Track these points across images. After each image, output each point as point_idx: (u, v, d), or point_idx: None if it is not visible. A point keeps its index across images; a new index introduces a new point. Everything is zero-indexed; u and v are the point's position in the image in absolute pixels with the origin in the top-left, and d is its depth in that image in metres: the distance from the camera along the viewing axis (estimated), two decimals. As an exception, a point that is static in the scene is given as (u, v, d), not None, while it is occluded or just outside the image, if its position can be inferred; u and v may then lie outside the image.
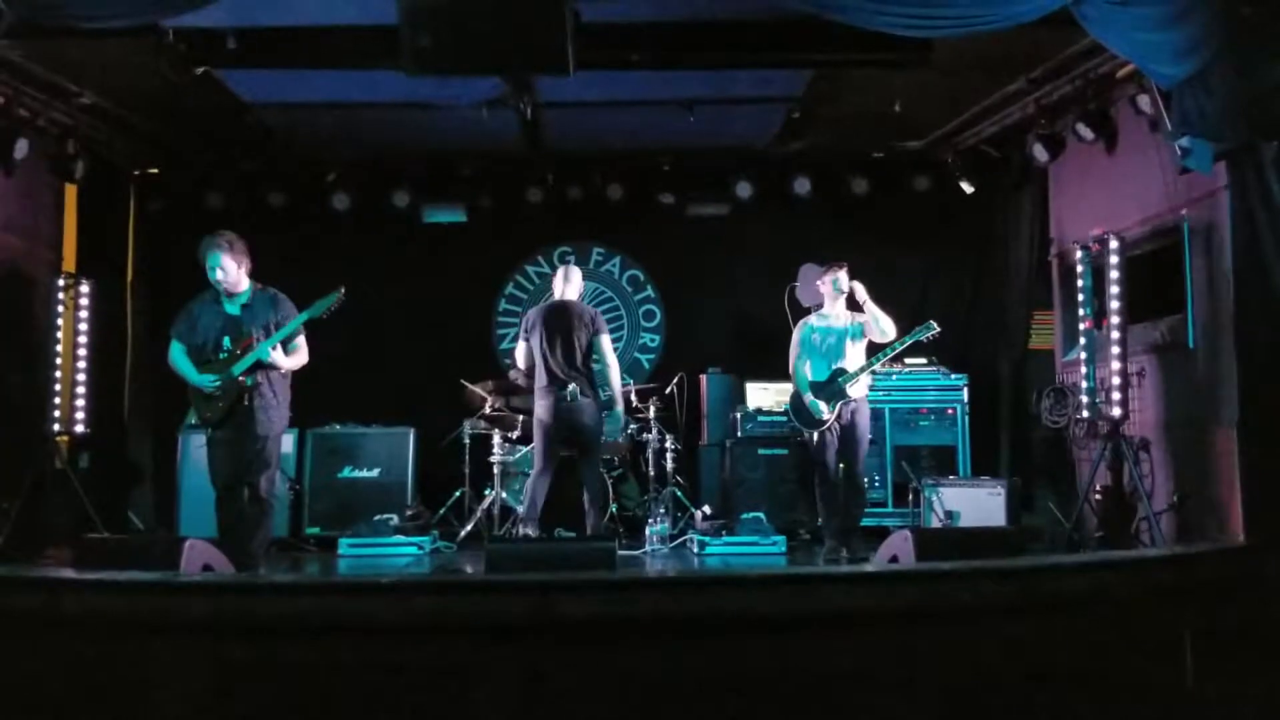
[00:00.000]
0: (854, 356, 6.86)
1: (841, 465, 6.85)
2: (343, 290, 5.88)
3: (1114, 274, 6.65)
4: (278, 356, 5.78)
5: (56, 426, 7.45)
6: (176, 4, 5.11)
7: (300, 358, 5.95)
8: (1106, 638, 4.46)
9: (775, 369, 8.72)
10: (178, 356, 5.83)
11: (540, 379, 6.63)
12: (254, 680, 3.99)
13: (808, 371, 6.93)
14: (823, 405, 6.78)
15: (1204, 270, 6.35)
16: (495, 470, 7.73)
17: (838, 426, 6.80)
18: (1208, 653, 4.47)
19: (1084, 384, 6.99)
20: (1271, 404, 5.46)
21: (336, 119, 7.86)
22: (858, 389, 6.82)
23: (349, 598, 4.11)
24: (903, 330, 6.79)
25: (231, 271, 5.76)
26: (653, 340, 9.70)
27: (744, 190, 8.83)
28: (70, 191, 8.03)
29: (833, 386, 6.82)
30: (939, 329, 6.81)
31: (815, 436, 6.84)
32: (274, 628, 4.03)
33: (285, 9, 5.86)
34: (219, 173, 8.83)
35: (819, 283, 7.12)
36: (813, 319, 7.07)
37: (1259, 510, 5.45)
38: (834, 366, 6.84)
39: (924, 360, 8.25)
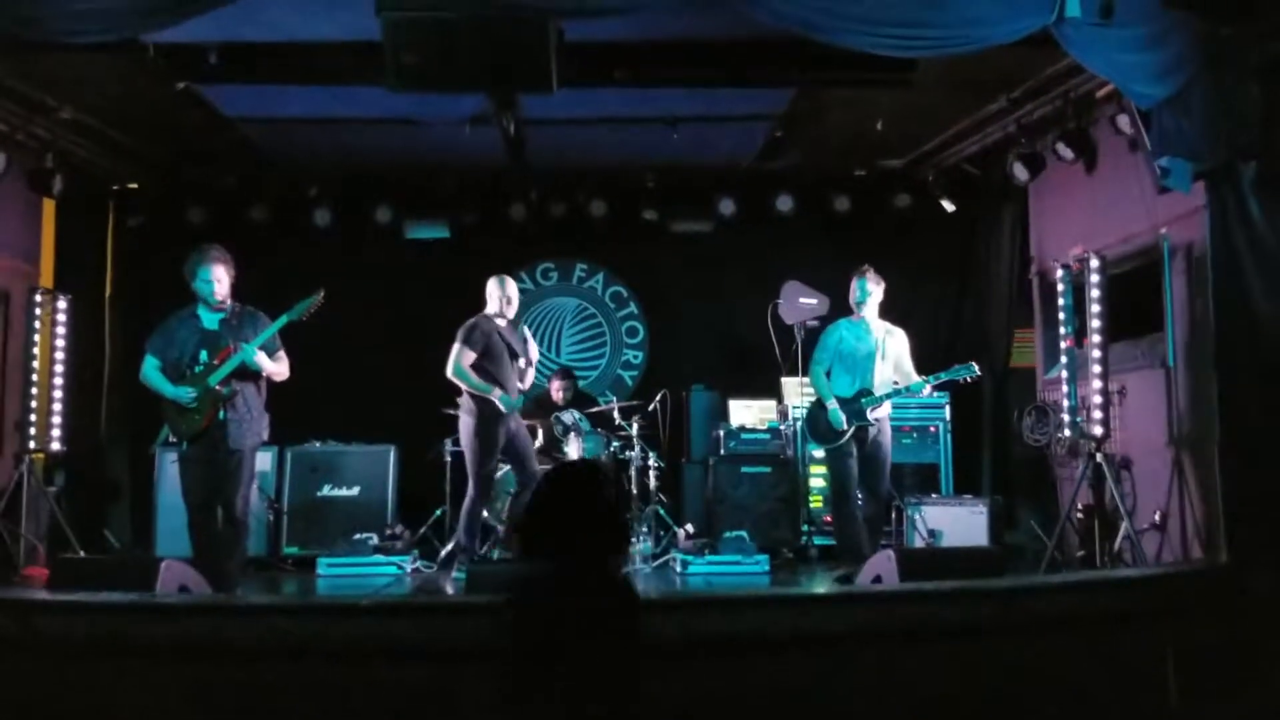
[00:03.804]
0: (882, 374, 6.68)
1: (867, 488, 6.66)
2: (322, 293, 5.88)
3: (1094, 292, 6.67)
4: (262, 360, 5.75)
5: (32, 444, 7.36)
6: (158, 19, 5.07)
7: (284, 367, 5.95)
8: (1089, 657, 4.46)
9: (759, 386, 8.77)
10: (151, 372, 5.79)
11: None
12: (231, 703, 3.94)
13: (830, 381, 6.77)
14: (843, 417, 6.58)
15: (1184, 289, 6.39)
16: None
17: (855, 446, 6.60)
18: (1190, 672, 4.48)
19: (1065, 402, 7.01)
20: (1251, 422, 5.49)
21: (319, 134, 7.84)
22: (880, 410, 6.64)
23: (327, 620, 4.07)
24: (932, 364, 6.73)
25: (225, 281, 5.77)
26: (636, 357, 9.69)
27: (727, 207, 8.84)
28: (48, 206, 7.97)
29: (854, 405, 6.61)
30: (979, 372, 6.71)
31: (836, 460, 6.63)
32: (251, 650, 3.99)
33: (268, 24, 5.83)
34: (199, 188, 8.79)
35: (852, 283, 6.83)
36: (844, 323, 6.85)
37: (1240, 529, 5.47)
38: (860, 386, 6.64)
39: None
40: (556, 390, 8.62)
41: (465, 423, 6.79)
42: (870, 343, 6.74)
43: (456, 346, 6.77)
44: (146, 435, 7.96)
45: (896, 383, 6.73)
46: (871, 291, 6.75)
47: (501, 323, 6.93)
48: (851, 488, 6.62)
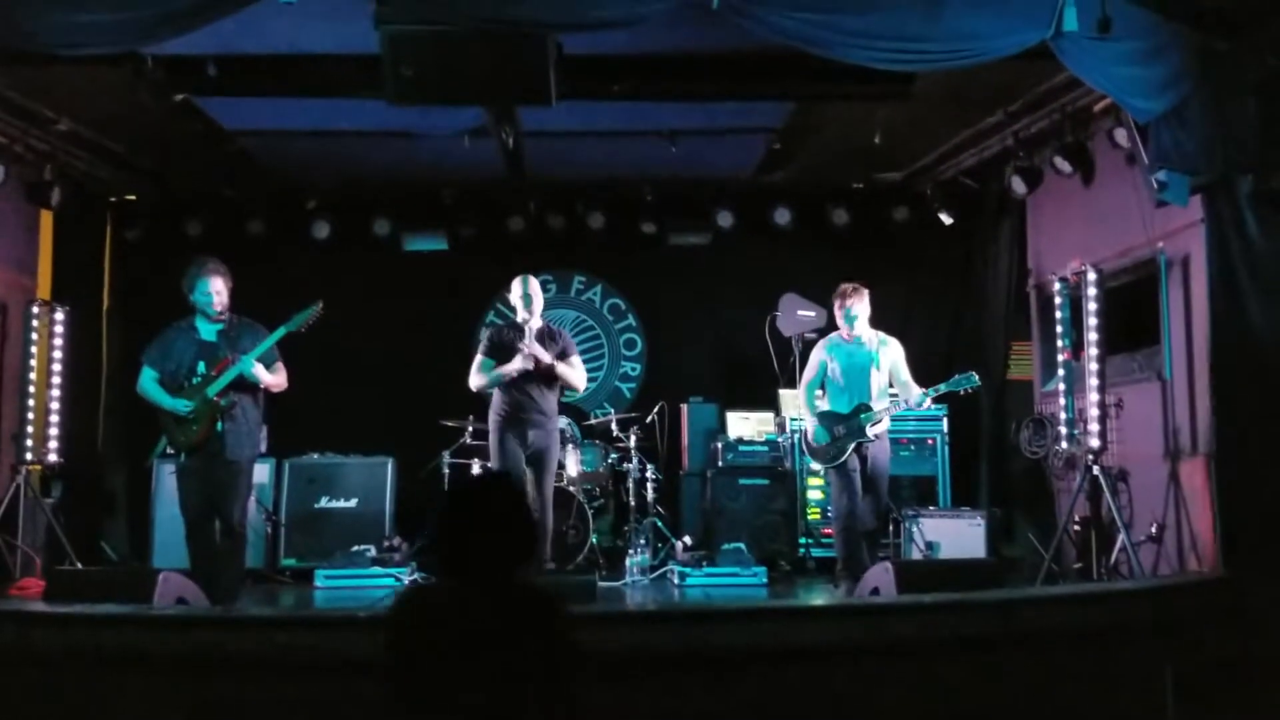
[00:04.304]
0: (879, 386, 6.63)
1: (869, 502, 6.61)
2: (320, 304, 5.89)
3: (1092, 305, 6.68)
4: (260, 372, 5.75)
5: (29, 455, 7.34)
6: (157, 32, 5.08)
7: (281, 378, 5.96)
8: (1086, 669, 4.46)
9: (757, 398, 8.77)
10: (148, 383, 5.80)
11: None
12: (227, 716, 3.93)
13: (821, 400, 6.76)
14: (827, 432, 6.60)
15: (1180, 302, 6.40)
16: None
17: (857, 462, 6.56)
18: (1187, 684, 4.48)
19: (1062, 415, 7.01)
20: (1247, 434, 5.50)
21: (317, 147, 7.85)
22: (879, 426, 6.60)
23: (325, 632, 4.06)
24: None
25: (224, 293, 5.80)
26: (634, 369, 9.69)
27: (725, 220, 8.86)
28: (46, 218, 7.97)
29: (852, 422, 6.58)
30: (979, 383, 6.65)
31: (837, 477, 6.60)
32: (248, 662, 3.98)
33: (266, 37, 5.84)
34: (197, 200, 8.79)
35: (833, 304, 6.85)
36: (835, 339, 6.84)
37: (1236, 542, 5.48)
38: (857, 401, 6.61)
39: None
40: None
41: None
42: (864, 356, 6.72)
43: (477, 358, 6.74)
44: (144, 447, 7.96)
45: (895, 393, 6.72)
46: (858, 314, 6.69)
47: (534, 324, 6.66)
48: (855, 503, 6.58)
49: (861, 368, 6.69)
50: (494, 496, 2.75)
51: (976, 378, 6.61)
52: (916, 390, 6.60)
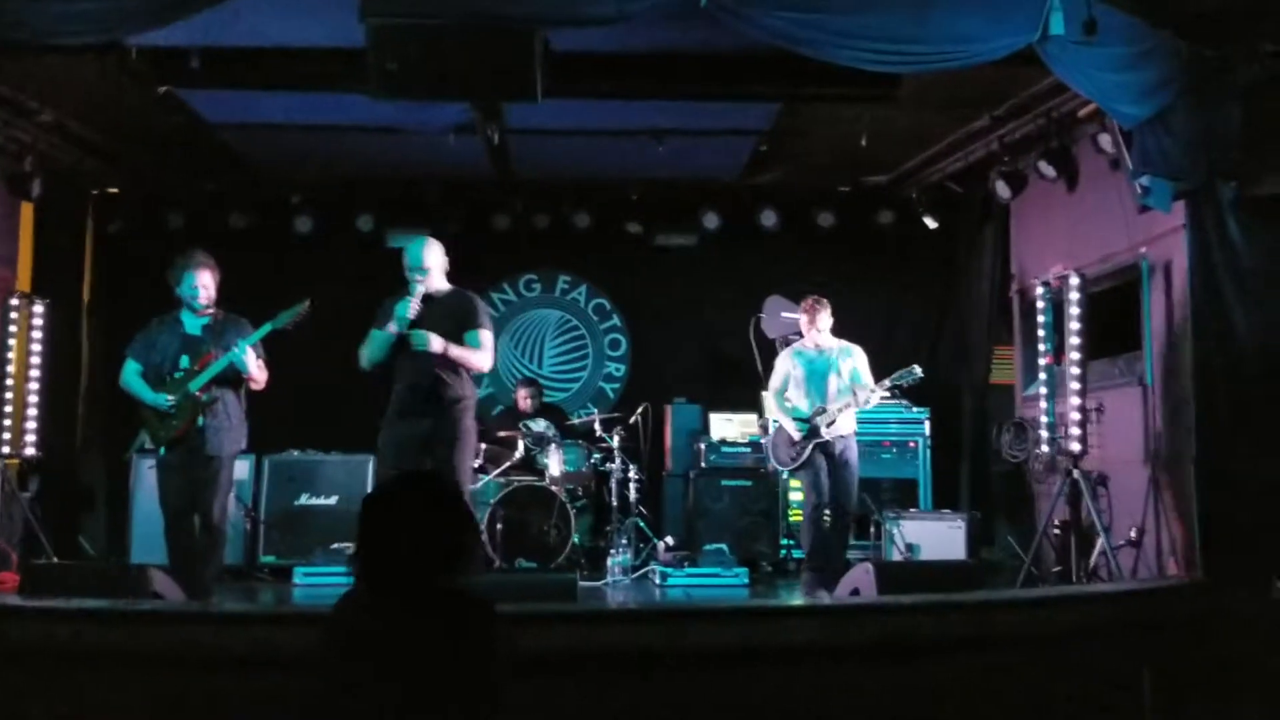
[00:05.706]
0: (838, 390, 6.73)
1: (835, 504, 6.67)
2: (308, 302, 5.81)
3: (1074, 310, 6.71)
4: (249, 360, 5.64)
5: (6, 449, 7.29)
6: (140, 22, 5.05)
7: (263, 375, 5.88)
8: (1064, 672, 4.47)
9: (740, 400, 8.77)
10: (131, 376, 5.74)
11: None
12: (203, 712, 3.91)
13: (790, 403, 6.85)
14: (789, 443, 6.72)
15: (1162, 308, 6.42)
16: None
17: (823, 460, 6.64)
18: (1166, 688, 4.50)
19: (1044, 419, 7.03)
20: (1227, 440, 5.53)
21: (301, 141, 7.81)
22: (838, 427, 6.66)
23: (302, 629, 4.03)
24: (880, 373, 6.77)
25: (210, 287, 5.74)
26: (618, 369, 9.68)
27: (711, 221, 8.86)
28: (26, 209, 7.90)
29: (810, 423, 6.69)
30: (922, 374, 6.73)
31: (804, 475, 6.71)
32: (225, 658, 3.96)
33: (251, 30, 5.80)
34: (180, 193, 8.74)
35: (799, 317, 7.01)
36: (797, 347, 6.98)
37: (1215, 546, 5.51)
38: (816, 404, 6.70)
39: (886, 393, 8.27)
40: (524, 399, 8.61)
41: None
42: (823, 363, 6.83)
43: None
44: (123, 442, 7.90)
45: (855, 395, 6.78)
46: (823, 328, 6.85)
47: (423, 289, 5.75)
48: (823, 499, 6.65)
49: (821, 374, 6.81)
50: (415, 498, 2.58)
51: (919, 370, 6.71)
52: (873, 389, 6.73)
